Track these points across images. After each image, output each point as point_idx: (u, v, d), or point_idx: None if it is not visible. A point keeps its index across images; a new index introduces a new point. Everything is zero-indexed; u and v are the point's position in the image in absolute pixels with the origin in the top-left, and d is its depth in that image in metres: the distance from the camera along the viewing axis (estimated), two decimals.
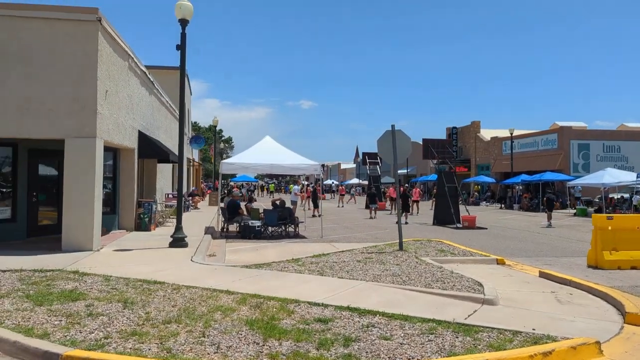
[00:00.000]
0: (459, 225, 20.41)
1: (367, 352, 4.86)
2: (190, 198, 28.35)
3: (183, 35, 12.20)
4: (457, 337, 5.33)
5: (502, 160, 43.68)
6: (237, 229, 16.18)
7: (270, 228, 15.84)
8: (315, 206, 25.00)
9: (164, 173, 22.32)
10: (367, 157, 38.71)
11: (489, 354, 4.78)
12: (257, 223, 15.35)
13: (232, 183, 59.33)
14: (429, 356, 4.80)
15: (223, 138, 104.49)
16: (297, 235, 16.15)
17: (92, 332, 5.27)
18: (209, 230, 16.04)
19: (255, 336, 5.21)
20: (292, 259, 10.44)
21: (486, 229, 19.89)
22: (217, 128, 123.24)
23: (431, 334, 5.44)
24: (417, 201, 27.68)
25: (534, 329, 5.62)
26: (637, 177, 26.58)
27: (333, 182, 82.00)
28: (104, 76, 11.67)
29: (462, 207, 22.69)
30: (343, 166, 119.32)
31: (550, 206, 22.94)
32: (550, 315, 6.62)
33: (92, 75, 11.11)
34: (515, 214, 31.59)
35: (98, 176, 11.32)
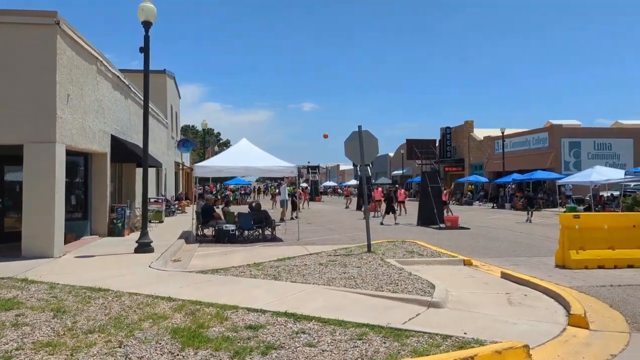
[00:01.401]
0: (441, 225, 20.22)
1: None
2: (177, 202, 28.22)
3: (146, 38, 12.04)
4: (384, 343, 5.16)
5: (495, 160, 43.47)
6: (213, 233, 16.02)
7: (246, 232, 15.69)
8: (295, 208, 24.88)
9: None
10: None
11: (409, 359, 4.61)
12: (232, 227, 15.18)
13: (231, 186, 59.12)
14: None
15: (221, 141, 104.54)
16: (274, 239, 15.98)
17: (7, 344, 5.10)
18: (184, 235, 15.91)
19: (173, 345, 5.04)
20: (254, 263, 10.27)
21: (469, 229, 19.70)
22: (216, 131, 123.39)
23: (359, 339, 5.27)
24: (402, 202, 27.49)
25: (465, 333, 5.44)
26: (625, 174, 26.34)
27: (324, 185, 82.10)
28: (65, 80, 11.52)
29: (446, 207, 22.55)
30: (342, 167, 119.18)
31: (530, 204, 23.07)
32: (495, 317, 6.45)
33: (51, 80, 10.96)
34: (505, 213, 31.37)
35: (59, 182, 11.16)
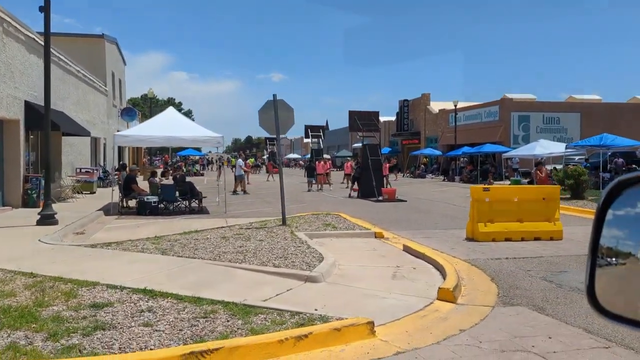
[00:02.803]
0: (380, 198, 20.11)
1: (102, 342, 4.34)
2: (117, 173, 27.34)
3: None
4: (228, 321, 4.87)
5: (448, 133, 43.64)
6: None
7: (172, 204, 15.19)
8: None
9: (76, 147, 21.29)
10: (309, 130, 38.16)
11: (233, 340, 4.32)
12: (154, 199, 14.66)
13: (196, 157, 57.78)
14: (169, 344, 4.32)
15: (182, 111, 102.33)
16: (200, 211, 15.54)
17: None
18: (106, 207, 15.33)
19: None
20: (155, 236, 9.81)
21: (405, 201, 19.60)
22: (177, 101, 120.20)
23: (204, 317, 4.97)
24: (349, 174, 27.31)
25: (316, 309, 5.20)
26: (566, 148, 26.76)
27: (287, 157, 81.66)
28: None
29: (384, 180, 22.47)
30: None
31: (484, 177, 23.67)
32: (367, 292, 6.24)
33: None
34: (454, 186, 31.55)
35: None
